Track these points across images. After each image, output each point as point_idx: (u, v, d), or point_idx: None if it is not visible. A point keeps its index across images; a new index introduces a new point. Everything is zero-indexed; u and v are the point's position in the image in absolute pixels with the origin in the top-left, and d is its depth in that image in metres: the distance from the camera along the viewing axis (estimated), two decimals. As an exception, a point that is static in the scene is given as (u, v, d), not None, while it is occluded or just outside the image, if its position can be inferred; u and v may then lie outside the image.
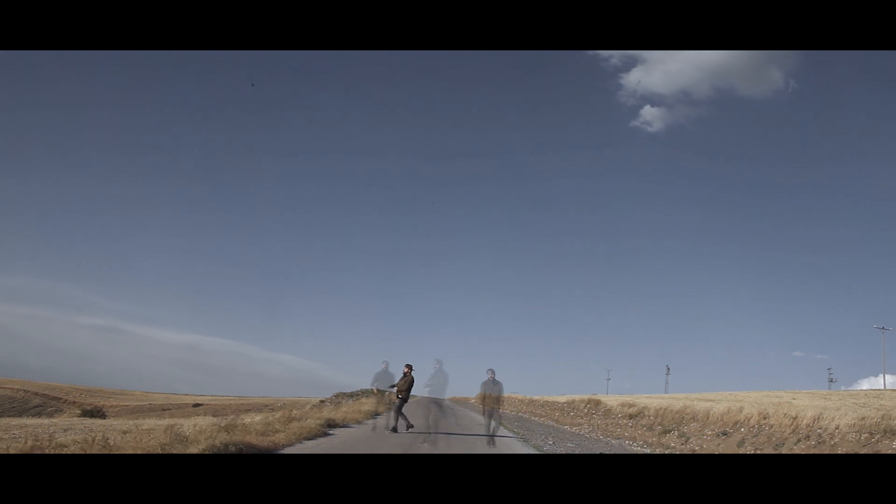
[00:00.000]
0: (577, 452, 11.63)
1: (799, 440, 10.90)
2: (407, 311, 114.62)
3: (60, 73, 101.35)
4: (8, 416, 38.07)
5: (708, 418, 14.79)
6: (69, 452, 5.64)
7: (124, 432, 8.06)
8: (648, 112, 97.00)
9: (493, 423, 11.56)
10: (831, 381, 56.14)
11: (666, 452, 8.69)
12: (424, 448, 9.66)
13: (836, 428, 10.42)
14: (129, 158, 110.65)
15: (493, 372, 11.50)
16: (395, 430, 11.68)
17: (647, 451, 13.49)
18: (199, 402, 55.11)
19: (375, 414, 14.67)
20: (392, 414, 11.98)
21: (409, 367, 12.07)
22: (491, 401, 11.57)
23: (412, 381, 11.97)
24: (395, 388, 12.04)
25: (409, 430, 11.67)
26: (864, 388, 46.23)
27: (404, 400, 11.97)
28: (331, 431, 11.05)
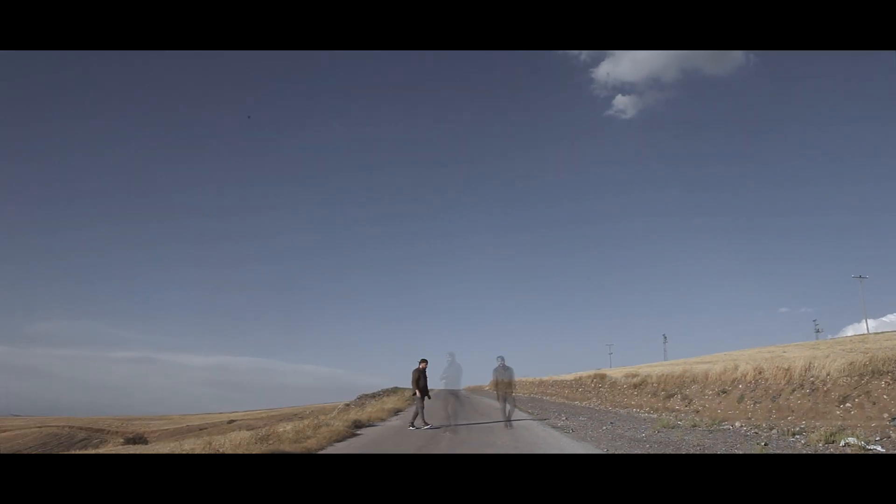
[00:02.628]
0: (589, 424, 11.62)
1: (794, 389, 10.90)
2: (417, 311, 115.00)
3: (76, 122, 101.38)
4: (57, 451, 38.02)
5: (707, 379, 14.79)
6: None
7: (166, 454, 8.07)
8: (620, 101, 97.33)
9: (508, 407, 11.54)
10: (818, 331, 56.22)
11: (676, 453, 8.66)
12: (447, 437, 9.66)
13: (828, 374, 10.42)
14: (139, 198, 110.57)
15: (502, 359, 11.48)
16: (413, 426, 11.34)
17: (654, 416, 13.48)
18: (234, 419, 55.00)
19: (397, 411, 14.64)
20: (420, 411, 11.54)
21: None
22: (503, 386, 11.55)
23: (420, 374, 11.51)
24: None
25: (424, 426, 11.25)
26: (850, 334, 46.17)
27: (420, 395, 11.50)
28: (358, 432, 11.05)
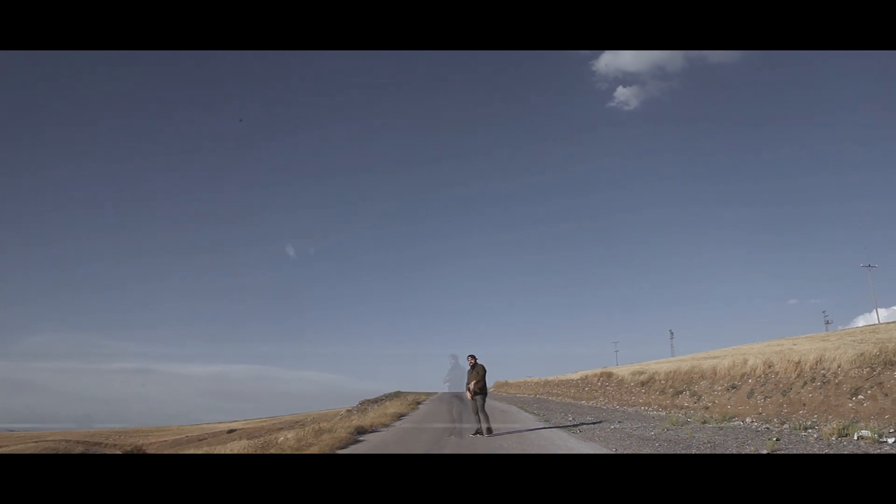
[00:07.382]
0: (596, 424, 11.63)
1: (805, 383, 10.91)
2: (418, 314, 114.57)
3: (59, 128, 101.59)
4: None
5: (716, 375, 14.80)
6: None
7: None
8: (622, 92, 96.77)
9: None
10: (828, 322, 56.28)
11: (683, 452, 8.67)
12: (452, 441, 9.67)
13: (839, 366, 10.43)
14: (128, 205, 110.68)
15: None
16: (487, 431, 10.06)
17: (663, 413, 13.50)
18: (234, 428, 54.96)
19: (400, 415, 14.64)
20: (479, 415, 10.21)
21: (472, 357, 10.45)
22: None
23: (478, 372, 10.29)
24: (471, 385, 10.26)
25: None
26: (861, 325, 46.17)
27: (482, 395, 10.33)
28: (361, 438, 11.05)
